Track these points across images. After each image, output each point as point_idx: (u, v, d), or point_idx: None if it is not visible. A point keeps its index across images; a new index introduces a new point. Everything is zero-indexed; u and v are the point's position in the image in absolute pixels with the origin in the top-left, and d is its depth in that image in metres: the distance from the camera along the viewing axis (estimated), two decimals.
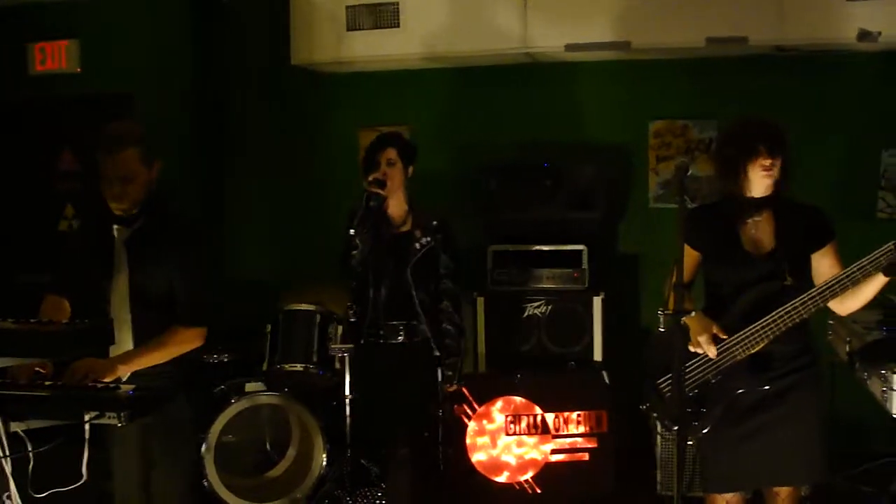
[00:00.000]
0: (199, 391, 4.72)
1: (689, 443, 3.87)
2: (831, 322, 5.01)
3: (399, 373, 5.03)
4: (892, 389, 3.90)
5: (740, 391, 3.77)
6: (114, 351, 3.68)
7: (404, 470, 5.05)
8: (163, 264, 3.83)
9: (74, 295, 3.93)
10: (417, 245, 5.02)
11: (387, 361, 5.05)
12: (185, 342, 3.86)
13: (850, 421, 5.23)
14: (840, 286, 3.53)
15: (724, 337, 3.76)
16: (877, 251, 3.47)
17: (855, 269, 3.51)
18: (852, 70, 6.17)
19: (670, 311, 3.40)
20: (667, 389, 3.84)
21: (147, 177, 3.81)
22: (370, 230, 4.87)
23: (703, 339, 3.75)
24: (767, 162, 3.69)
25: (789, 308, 3.61)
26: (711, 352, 3.75)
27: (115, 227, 3.86)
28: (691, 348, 3.83)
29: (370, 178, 4.86)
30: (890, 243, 3.45)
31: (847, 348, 4.60)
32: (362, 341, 5.09)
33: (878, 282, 3.55)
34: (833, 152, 6.19)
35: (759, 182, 3.73)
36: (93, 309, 3.86)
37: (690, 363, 3.86)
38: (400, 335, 5.02)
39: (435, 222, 5.09)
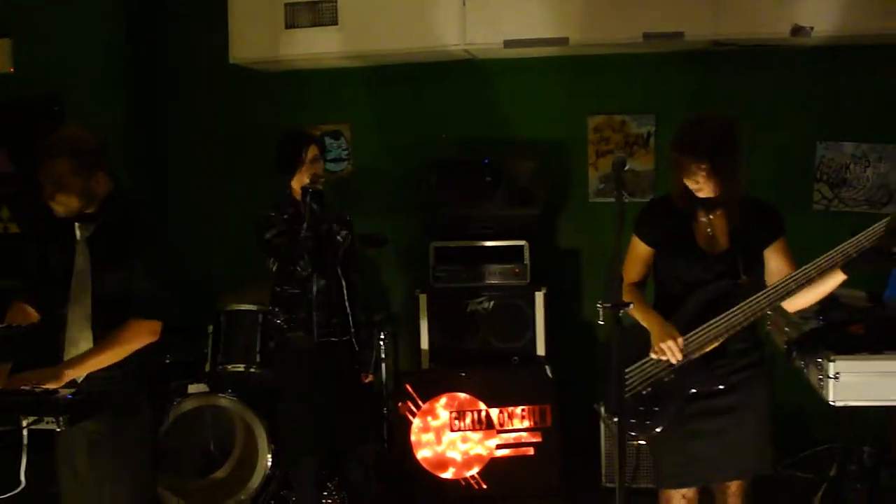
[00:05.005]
0: (160, 395, 4.56)
1: (642, 442, 3.87)
2: (770, 313, 5.07)
3: (338, 371, 5.01)
4: (829, 377, 3.95)
5: (693, 391, 3.76)
6: (76, 350, 3.63)
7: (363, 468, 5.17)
8: (124, 261, 3.77)
9: (42, 297, 3.87)
10: (339, 238, 5.01)
11: (328, 360, 4.98)
12: (137, 337, 3.74)
13: (789, 410, 5.30)
14: (796, 284, 3.52)
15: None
16: (832, 251, 3.46)
17: (811, 268, 3.49)
18: (787, 64, 6.25)
19: (609, 305, 3.38)
20: (627, 383, 3.82)
21: (82, 186, 3.72)
22: (314, 232, 4.82)
23: (666, 345, 3.68)
24: (697, 176, 3.58)
25: (745, 307, 3.60)
26: (675, 359, 3.71)
27: (77, 224, 3.80)
28: (653, 355, 3.77)
29: (313, 176, 4.83)
30: (845, 243, 3.44)
31: (785, 338, 4.66)
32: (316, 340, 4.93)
33: (835, 280, 3.52)
34: (769, 145, 6.24)
35: (695, 190, 3.68)
36: (59, 310, 3.79)
37: (644, 361, 3.84)
38: (335, 332, 5.00)
39: (347, 217, 5.13)
